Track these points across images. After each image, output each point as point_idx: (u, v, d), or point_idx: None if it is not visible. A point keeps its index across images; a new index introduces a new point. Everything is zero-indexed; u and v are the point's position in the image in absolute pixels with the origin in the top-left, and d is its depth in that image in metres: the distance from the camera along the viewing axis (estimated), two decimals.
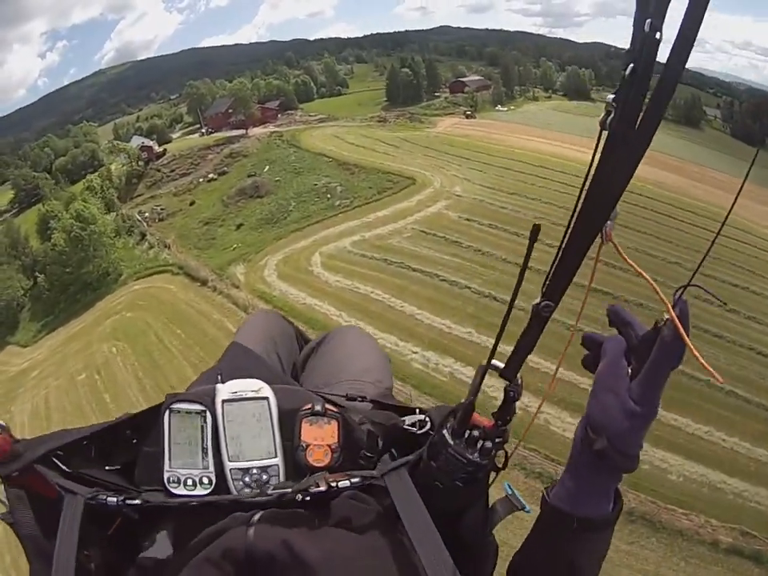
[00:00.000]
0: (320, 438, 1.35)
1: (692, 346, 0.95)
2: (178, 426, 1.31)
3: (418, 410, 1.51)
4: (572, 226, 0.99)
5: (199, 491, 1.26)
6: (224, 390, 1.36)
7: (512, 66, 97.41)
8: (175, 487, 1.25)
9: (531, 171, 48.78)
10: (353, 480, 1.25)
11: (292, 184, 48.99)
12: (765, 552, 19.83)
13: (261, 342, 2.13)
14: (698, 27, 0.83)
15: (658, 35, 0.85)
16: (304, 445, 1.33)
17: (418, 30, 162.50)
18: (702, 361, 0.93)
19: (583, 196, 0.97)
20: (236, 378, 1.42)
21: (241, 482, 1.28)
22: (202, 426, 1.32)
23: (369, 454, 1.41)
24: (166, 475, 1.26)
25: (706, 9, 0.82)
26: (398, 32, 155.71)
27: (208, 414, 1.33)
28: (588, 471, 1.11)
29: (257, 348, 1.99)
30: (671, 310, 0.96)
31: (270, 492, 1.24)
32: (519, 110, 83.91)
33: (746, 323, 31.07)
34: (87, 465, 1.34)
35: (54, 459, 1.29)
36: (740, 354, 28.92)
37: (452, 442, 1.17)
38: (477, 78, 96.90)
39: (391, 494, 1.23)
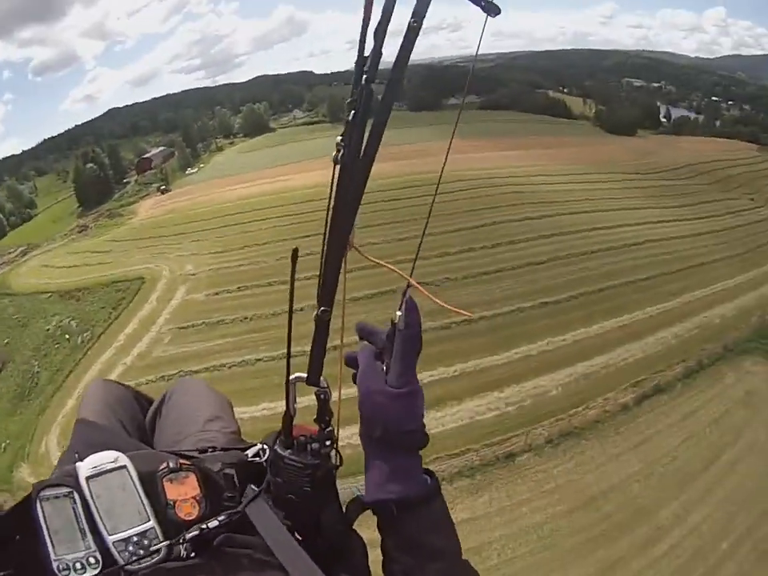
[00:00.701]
0: (183, 492, 1.40)
1: (429, 295, 1.22)
2: (51, 513, 1.30)
3: (258, 443, 1.65)
4: (326, 242, 1.22)
5: (90, 573, 1.25)
6: (84, 467, 1.38)
7: (189, 125, 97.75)
8: (66, 574, 1.24)
9: (248, 218, 49.10)
10: (219, 518, 1.33)
11: (23, 340, 41.78)
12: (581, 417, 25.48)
13: (101, 413, 2.15)
14: (399, 85, 1.10)
15: (372, 86, 1.12)
16: (171, 503, 1.37)
17: (89, 121, 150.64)
18: (443, 303, 1.22)
19: (330, 217, 1.21)
20: (91, 454, 1.42)
21: (126, 553, 1.29)
22: (74, 508, 1.32)
23: (230, 494, 1.46)
24: (54, 565, 1.25)
25: (403, 75, 1.09)
26: (70, 129, 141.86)
27: (75, 494, 1.33)
28: (382, 460, 1.26)
29: (99, 420, 2.06)
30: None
31: (151, 551, 1.28)
32: (209, 166, 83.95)
33: (491, 252, 39.00)
34: None
35: None
36: (486, 281, 36.80)
37: (284, 454, 1.37)
38: (159, 149, 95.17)
39: (254, 522, 1.35)
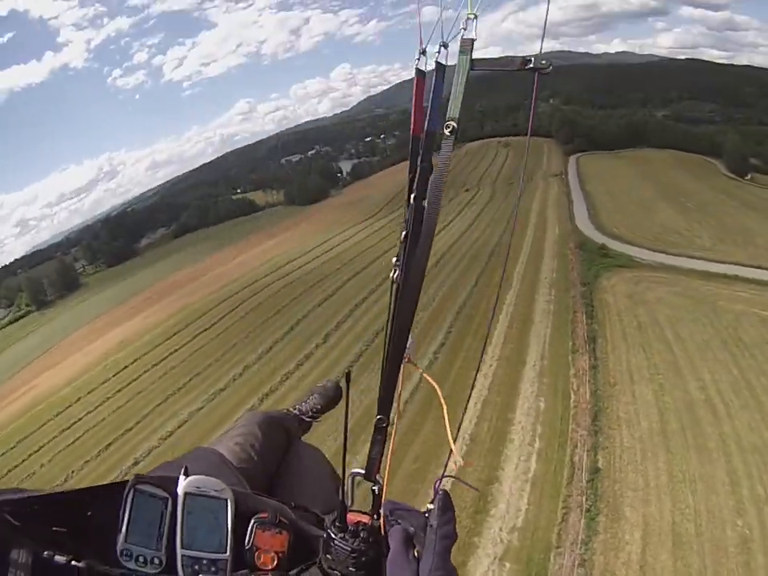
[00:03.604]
0: (269, 544, 1.47)
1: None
2: (140, 506, 1.35)
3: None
4: (386, 357, 1.39)
5: (149, 569, 1.31)
6: (189, 484, 1.44)
7: None
8: (127, 561, 1.29)
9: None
10: None
11: None
12: None
13: (244, 449, 2.35)
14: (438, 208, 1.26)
15: (424, 205, 1.29)
16: (255, 548, 1.46)
17: None
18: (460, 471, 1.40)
19: (389, 335, 1.39)
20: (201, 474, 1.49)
21: (190, 569, 1.35)
22: (162, 512, 1.39)
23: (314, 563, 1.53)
24: (120, 548, 1.29)
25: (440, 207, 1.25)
26: None
27: (170, 501, 1.40)
28: None
29: (241, 454, 2.30)
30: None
31: None
32: None
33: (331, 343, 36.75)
34: (36, 525, 1.29)
35: (4, 513, 1.27)
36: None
37: (336, 537, 1.46)
38: None
39: None
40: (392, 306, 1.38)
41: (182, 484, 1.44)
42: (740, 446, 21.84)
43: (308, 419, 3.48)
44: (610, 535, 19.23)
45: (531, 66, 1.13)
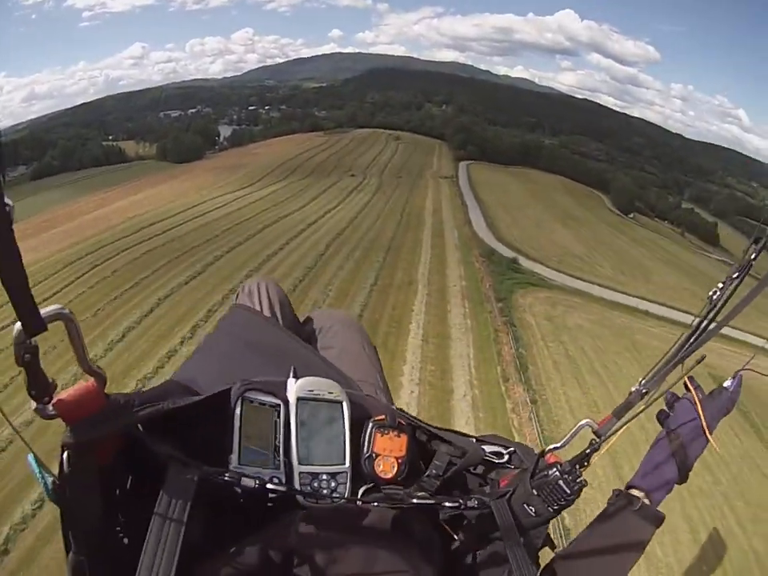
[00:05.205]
0: (389, 449, 1.37)
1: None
2: (250, 418, 1.23)
3: (503, 448, 1.65)
4: (681, 346, 1.41)
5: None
6: (299, 387, 1.33)
7: None
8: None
9: None
10: (475, 501, 1.36)
11: None
12: None
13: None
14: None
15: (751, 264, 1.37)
16: (374, 455, 1.36)
17: None
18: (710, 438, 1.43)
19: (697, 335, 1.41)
20: (308, 375, 1.39)
21: (309, 487, 1.23)
22: (275, 422, 1.26)
23: (438, 474, 1.44)
24: (234, 471, 1.15)
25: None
26: None
27: (282, 408, 1.28)
28: (665, 479, 1.44)
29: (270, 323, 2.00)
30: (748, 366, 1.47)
31: (333, 496, 1.25)
32: None
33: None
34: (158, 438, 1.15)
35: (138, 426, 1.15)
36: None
37: (563, 479, 1.36)
38: None
39: (497, 518, 1.34)
40: (702, 317, 1.40)
41: (293, 387, 1.32)
42: (690, 491, 20.34)
43: None
44: None
45: None
